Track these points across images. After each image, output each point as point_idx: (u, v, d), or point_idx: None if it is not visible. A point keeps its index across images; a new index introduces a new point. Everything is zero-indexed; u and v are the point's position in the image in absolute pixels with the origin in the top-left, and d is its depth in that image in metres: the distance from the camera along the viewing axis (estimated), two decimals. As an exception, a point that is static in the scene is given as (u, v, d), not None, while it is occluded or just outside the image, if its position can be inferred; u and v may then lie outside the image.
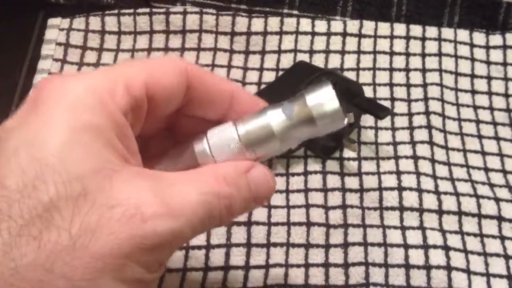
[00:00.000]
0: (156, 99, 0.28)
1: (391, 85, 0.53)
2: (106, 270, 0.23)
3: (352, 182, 0.47)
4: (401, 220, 0.45)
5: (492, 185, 0.47)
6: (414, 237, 0.44)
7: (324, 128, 0.28)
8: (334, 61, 0.54)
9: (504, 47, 0.55)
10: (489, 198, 0.46)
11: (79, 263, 0.22)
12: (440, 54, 0.54)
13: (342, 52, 0.54)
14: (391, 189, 0.46)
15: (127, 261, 0.23)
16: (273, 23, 0.55)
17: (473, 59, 0.54)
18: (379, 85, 0.53)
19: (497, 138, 0.50)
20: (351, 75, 0.53)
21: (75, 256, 0.22)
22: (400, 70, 0.54)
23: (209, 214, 0.26)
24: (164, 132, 0.32)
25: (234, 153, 0.28)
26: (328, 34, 0.55)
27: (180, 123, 0.31)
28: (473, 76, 0.54)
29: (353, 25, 0.55)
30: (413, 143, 0.49)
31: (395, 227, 0.45)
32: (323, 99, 0.28)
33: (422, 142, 0.49)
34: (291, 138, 0.29)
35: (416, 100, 0.52)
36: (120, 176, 0.24)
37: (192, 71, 0.29)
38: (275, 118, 0.28)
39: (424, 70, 0.53)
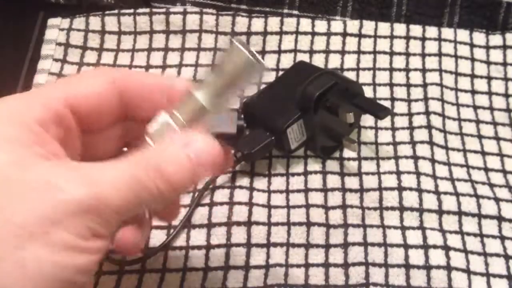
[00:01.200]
0: (80, 110, 0.29)
1: (391, 85, 0.53)
2: (34, 238, 0.23)
3: (352, 182, 0.47)
4: (401, 220, 0.45)
5: (492, 185, 0.47)
6: (414, 237, 0.44)
7: (240, 76, 0.29)
8: (334, 61, 0.54)
9: (504, 47, 0.55)
10: (489, 198, 0.46)
11: (5, 232, 0.23)
12: (440, 54, 0.54)
13: (342, 52, 0.54)
14: (391, 189, 0.46)
15: (53, 228, 0.24)
16: (273, 23, 0.55)
17: (473, 59, 0.54)
18: (379, 85, 0.53)
19: (497, 138, 0.50)
20: (351, 75, 0.53)
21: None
22: (400, 70, 0.54)
23: (138, 181, 0.26)
24: (128, 154, 0.33)
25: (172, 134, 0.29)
26: (328, 34, 0.55)
27: (138, 135, 0.32)
28: (473, 76, 0.54)
29: (353, 25, 0.55)
30: (413, 143, 0.49)
31: (395, 227, 0.45)
32: (232, 53, 0.29)
33: (422, 142, 0.49)
34: (216, 94, 0.29)
35: (416, 100, 0.52)
36: (37, 165, 0.25)
37: (121, 76, 0.30)
38: (200, 93, 0.29)
39: (424, 70, 0.53)
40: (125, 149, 0.33)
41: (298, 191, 0.47)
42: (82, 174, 0.25)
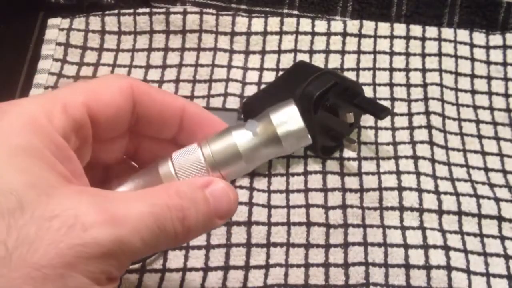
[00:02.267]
0: (99, 119, 0.27)
1: (391, 85, 0.53)
2: (48, 281, 0.22)
3: (352, 182, 0.47)
4: (401, 220, 0.45)
5: (492, 185, 0.47)
6: (414, 237, 0.44)
7: (289, 147, 0.29)
8: (334, 61, 0.54)
9: (504, 47, 0.55)
10: (489, 198, 0.46)
11: (18, 275, 0.21)
12: (440, 54, 0.54)
13: (342, 52, 0.54)
14: (391, 189, 0.46)
15: (69, 271, 0.22)
16: (273, 23, 0.55)
17: (473, 59, 0.54)
18: (379, 85, 0.53)
19: (497, 138, 0.50)
20: (351, 75, 0.53)
21: (12, 268, 0.21)
22: (400, 70, 0.54)
23: (160, 225, 0.25)
24: (127, 162, 0.32)
25: (200, 174, 0.28)
26: (328, 34, 0.55)
27: (141, 149, 0.31)
28: (473, 76, 0.54)
29: (353, 25, 0.55)
30: (413, 143, 0.49)
31: (395, 227, 0.45)
32: (287, 117, 0.28)
33: (422, 142, 0.49)
34: (257, 158, 0.29)
35: (416, 100, 0.52)
36: (59, 192, 0.23)
37: (137, 87, 0.28)
38: (240, 138, 0.28)
39: (424, 70, 0.53)
40: (132, 162, 0.32)
41: (298, 191, 0.47)
42: (107, 210, 0.23)
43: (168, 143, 0.31)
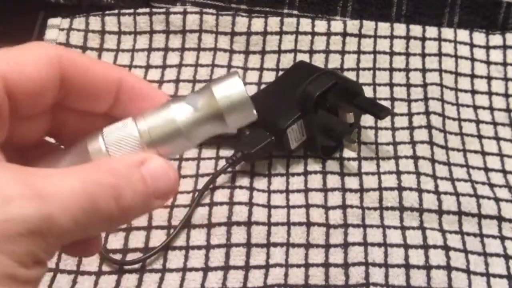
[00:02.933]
0: (18, 93, 0.24)
1: (391, 85, 0.53)
2: None
3: (352, 182, 0.47)
4: (401, 220, 0.45)
5: (492, 185, 0.47)
6: (414, 237, 0.44)
7: (233, 122, 0.26)
8: (334, 61, 0.54)
9: (504, 47, 0.55)
10: (489, 198, 0.46)
11: None
12: (440, 54, 0.54)
13: (342, 52, 0.54)
14: (391, 189, 0.46)
15: None
16: (273, 23, 0.55)
17: (473, 59, 0.54)
18: (379, 85, 0.53)
19: (497, 138, 0.50)
20: (351, 75, 0.53)
21: None
22: (400, 70, 0.54)
23: (92, 202, 0.22)
24: (47, 144, 0.28)
25: (133, 152, 0.25)
26: (328, 34, 0.55)
27: (67, 125, 0.27)
28: (473, 76, 0.54)
29: (353, 25, 0.55)
30: (413, 143, 0.49)
31: (395, 227, 0.45)
32: (231, 90, 0.26)
33: (422, 142, 0.49)
34: (198, 134, 0.26)
35: (416, 100, 0.52)
36: None
37: (66, 58, 0.25)
38: (180, 112, 0.25)
39: (424, 70, 0.53)
40: (51, 139, 0.28)
41: (298, 191, 0.47)
42: (32, 184, 0.21)
43: (100, 118, 0.27)
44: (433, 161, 0.48)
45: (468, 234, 0.45)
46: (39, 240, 0.21)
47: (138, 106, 0.26)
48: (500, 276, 0.43)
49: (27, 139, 0.26)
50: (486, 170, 0.48)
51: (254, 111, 0.26)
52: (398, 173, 0.47)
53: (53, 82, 0.25)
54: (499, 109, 0.52)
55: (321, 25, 0.55)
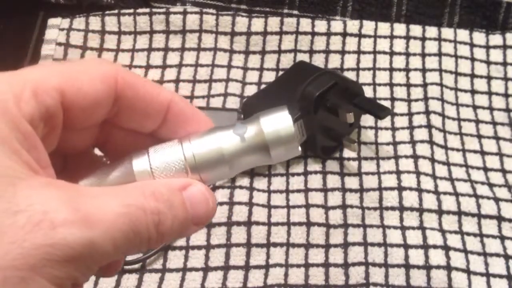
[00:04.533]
0: (74, 108, 0.24)
1: (391, 85, 0.53)
2: (7, 285, 0.19)
3: (352, 182, 0.47)
4: (401, 220, 0.45)
5: (491, 185, 0.47)
6: (414, 237, 0.44)
7: (277, 156, 0.26)
8: (334, 61, 0.54)
9: (504, 47, 0.55)
10: (488, 198, 0.46)
11: None
12: (440, 54, 0.54)
13: (342, 52, 0.54)
14: (391, 189, 0.46)
15: (33, 274, 0.20)
16: (273, 23, 0.55)
17: (473, 59, 0.54)
18: (379, 85, 0.53)
19: (496, 138, 0.50)
20: (351, 75, 0.53)
21: None
22: (400, 70, 0.54)
23: (134, 228, 0.22)
24: (90, 152, 0.29)
25: (177, 174, 0.25)
26: (328, 34, 0.55)
27: (113, 139, 0.28)
28: (473, 76, 0.54)
29: (353, 25, 0.55)
30: (413, 142, 0.49)
31: (395, 227, 0.45)
32: (279, 124, 0.26)
33: (422, 141, 0.49)
34: (241, 164, 0.26)
35: (416, 100, 0.52)
36: (26, 184, 0.21)
37: (123, 77, 0.25)
38: (226, 141, 0.26)
39: (424, 70, 0.53)
40: (97, 151, 0.29)
41: (298, 191, 0.47)
42: (79, 208, 0.21)
43: (146, 136, 0.28)
44: (433, 160, 0.48)
45: (468, 234, 0.45)
46: (80, 264, 0.21)
47: (184, 129, 0.27)
48: (500, 276, 0.43)
49: (73, 148, 0.27)
50: (486, 169, 0.48)
51: (299, 148, 0.26)
52: (398, 173, 0.47)
53: (107, 100, 0.25)
54: (499, 109, 0.52)
55: (321, 25, 0.55)
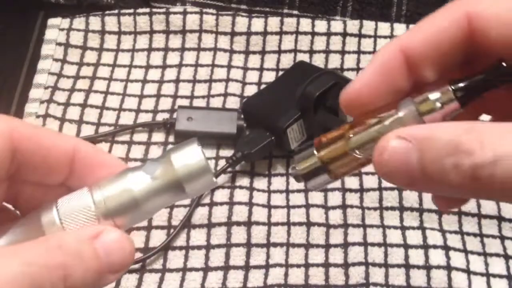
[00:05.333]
0: None
1: (391, 85, 0.53)
2: None
3: (352, 182, 0.47)
4: (401, 220, 0.45)
5: (492, 185, 0.47)
6: (414, 237, 0.44)
7: (192, 190, 0.25)
8: (334, 61, 0.54)
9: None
10: (489, 198, 0.46)
11: None
12: (440, 54, 0.54)
13: (342, 52, 0.54)
14: (391, 189, 0.46)
15: None
16: (273, 23, 0.55)
17: (473, 59, 0.54)
18: (379, 85, 0.53)
19: (497, 138, 0.50)
20: (351, 75, 0.53)
21: None
22: (400, 70, 0.53)
23: (37, 286, 0.21)
24: (6, 209, 0.27)
25: (89, 223, 0.24)
26: (328, 34, 0.55)
27: (23, 194, 0.27)
28: (473, 76, 0.54)
29: (353, 25, 0.55)
30: (413, 143, 0.49)
31: (395, 227, 0.45)
32: (189, 158, 0.25)
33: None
34: (156, 204, 0.25)
35: (416, 100, 0.52)
36: None
37: (18, 131, 0.24)
38: (138, 181, 0.24)
39: (424, 70, 0.53)
40: (9, 206, 0.27)
41: (298, 191, 0.47)
42: None
43: (57, 187, 0.27)
44: (433, 161, 0.48)
45: (468, 234, 0.45)
46: None
47: (93, 176, 0.26)
48: (500, 276, 0.43)
49: None
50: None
51: (214, 179, 0.25)
52: (398, 173, 0.47)
53: (3, 156, 0.24)
54: (499, 109, 0.52)
55: (321, 25, 0.55)
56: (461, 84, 0.22)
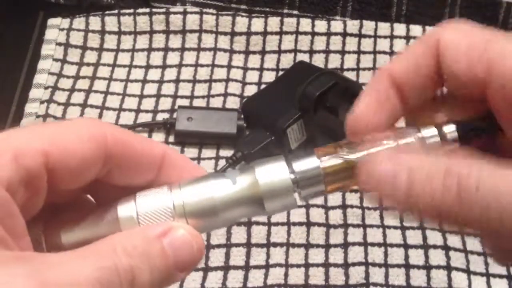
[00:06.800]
0: (60, 169, 0.23)
1: (391, 85, 0.53)
2: None
3: (352, 182, 0.47)
4: (401, 220, 0.45)
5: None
6: (414, 237, 0.44)
7: (272, 208, 0.24)
8: (334, 61, 0.54)
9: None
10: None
11: None
12: (440, 54, 0.54)
13: (342, 52, 0.54)
14: (391, 189, 0.46)
15: None
16: (273, 23, 0.55)
17: (473, 59, 0.54)
18: (379, 85, 0.53)
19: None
20: (351, 75, 0.53)
21: None
22: (400, 70, 0.53)
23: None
24: (82, 196, 0.27)
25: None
26: (328, 34, 0.55)
27: (104, 192, 0.27)
28: (473, 76, 0.54)
29: (353, 25, 0.55)
30: (413, 143, 0.49)
31: (395, 227, 0.45)
32: (274, 175, 0.24)
33: (422, 142, 0.49)
34: (232, 215, 0.24)
35: (416, 100, 0.52)
36: None
37: (113, 135, 0.24)
38: (219, 189, 0.24)
39: (424, 70, 0.53)
40: (89, 196, 0.27)
41: (298, 191, 0.46)
42: (47, 282, 0.20)
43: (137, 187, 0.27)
44: (433, 161, 0.48)
45: (468, 234, 0.45)
46: None
47: (177, 179, 0.26)
48: (500, 276, 0.43)
49: (63, 200, 0.26)
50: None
51: (297, 201, 0.24)
52: (398, 173, 0.47)
53: (96, 159, 0.24)
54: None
55: (321, 25, 0.55)
56: (452, 129, 0.25)
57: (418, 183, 0.22)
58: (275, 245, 0.44)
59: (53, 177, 0.23)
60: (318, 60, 0.54)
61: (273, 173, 0.24)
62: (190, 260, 0.24)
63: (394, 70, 0.25)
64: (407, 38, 0.55)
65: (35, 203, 0.24)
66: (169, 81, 0.53)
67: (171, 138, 0.50)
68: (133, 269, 0.22)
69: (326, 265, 0.43)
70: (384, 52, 0.54)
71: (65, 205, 0.26)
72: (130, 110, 0.51)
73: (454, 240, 0.44)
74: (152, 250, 0.23)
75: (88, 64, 0.54)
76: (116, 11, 0.56)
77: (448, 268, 0.42)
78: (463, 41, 0.24)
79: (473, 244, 0.44)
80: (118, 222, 0.24)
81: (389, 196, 0.23)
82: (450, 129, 0.24)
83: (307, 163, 0.24)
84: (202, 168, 0.27)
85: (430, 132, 0.24)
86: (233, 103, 0.51)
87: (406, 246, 0.43)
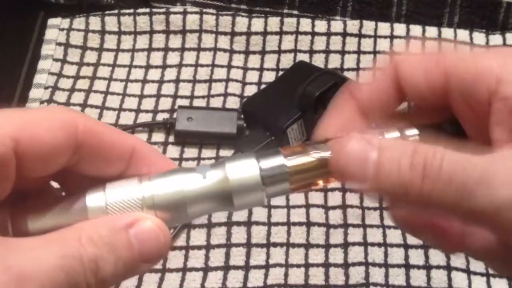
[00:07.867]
0: (29, 155, 0.23)
1: (391, 85, 0.53)
2: None
3: (352, 182, 0.47)
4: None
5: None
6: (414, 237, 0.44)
7: (240, 204, 0.25)
8: (334, 61, 0.54)
9: (504, 46, 0.55)
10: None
11: None
12: (440, 54, 0.54)
13: (342, 52, 0.54)
14: (391, 189, 0.46)
15: None
16: (273, 23, 0.55)
17: (473, 59, 0.54)
18: (379, 85, 0.53)
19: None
20: (351, 75, 0.53)
21: None
22: (400, 70, 0.53)
23: (71, 280, 0.21)
24: (51, 184, 0.27)
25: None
26: (328, 34, 0.55)
27: (72, 179, 0.27)
28: (473, 76, 0.54)
29: (353, 25, 0.55)
30: (413, 143, 0.49)
31: (395, 227, 0.44)
32: (244, 172, 0.24)
33: (422, 142, 0.49)
34: (200, 209, 0.25)
35: (416, 100, 0.52)
36: None
37: (84, 124, 0.24)
38: (189, 183, 0.24)
39: (424, 70, 0.53)
40: (55, 184, 0.27)
41: (298, 191, 0.46)
42: (11, 266, 0.21)
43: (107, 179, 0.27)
44: (433, 161, 0.48)
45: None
46: None
47: (147, 173, 0.26)
48: (500, 276, 0.43)
49: (31, 186, 0.26)
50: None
51: (265, 199, 0.25)
52: (398, 173, 0.47)
53: (66, 147, 0.24)
54: (499, 109, 0.52)
55: (321, 25, 0.55)
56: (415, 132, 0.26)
57: (387, 161, 0.23)
58: (275, 245, 0.44)
59: (22, 163, 0.23)
60: (318, 60, 0.54)
61: (243, 169, 0.24)
62: (155, 252, 0.24)
63: (359, 94, 0.27)
64: (407, 38, 0.55)
65: (3, 189, 0.23)
66: (169, 81, 0.53)
67: (171, 138, 0.50)
68: (98, 259, 0.22)
69: (326, 265, 0.43)
70: (384, 52, 0.54)
71: (33, 191, 0.26)
72: (130, 110, 0.51)
73: (454, 240, 0.44)
74: (117, 240, 0.23)
75: (88, 64, 0.54)
76: (116, 11, 0.56)
77: (448, 268, 0.42)
78: (418, 57, 0.27)
79: (473, 244, 0.44)
80: (86, 211, 0.24)
81: (358, 175, 0.23)
82: (412, 133, 0.26)
83: (274, 161, 0.24)
84: (173, 162, 0.27)
85: (392, 135, 0.26)
86: (233, 103, 0.51)
87: (406, 246, 0.43)
